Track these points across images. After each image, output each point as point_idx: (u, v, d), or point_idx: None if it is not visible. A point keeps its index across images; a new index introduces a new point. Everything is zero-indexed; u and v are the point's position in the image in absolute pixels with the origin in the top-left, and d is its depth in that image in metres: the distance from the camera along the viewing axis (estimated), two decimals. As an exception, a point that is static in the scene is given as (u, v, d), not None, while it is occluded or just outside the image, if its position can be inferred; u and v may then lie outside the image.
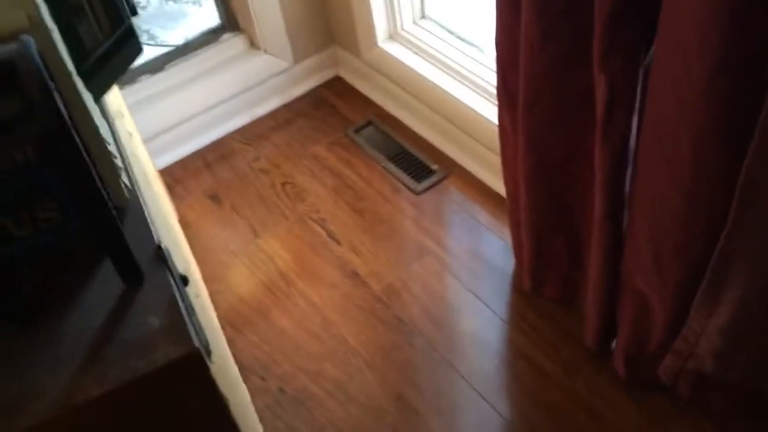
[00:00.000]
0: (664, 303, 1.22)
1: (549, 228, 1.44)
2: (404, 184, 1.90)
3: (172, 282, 0.66)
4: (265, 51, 2.13)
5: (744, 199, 0.97)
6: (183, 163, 2.07)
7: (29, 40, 0.54)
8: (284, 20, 2.08)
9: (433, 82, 1.91)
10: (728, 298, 1.10)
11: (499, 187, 1.82)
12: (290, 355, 1.59)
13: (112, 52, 0.67)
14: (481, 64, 1.87)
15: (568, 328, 1.54)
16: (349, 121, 2.11)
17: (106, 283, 0.67)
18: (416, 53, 1.99)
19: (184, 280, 0.69)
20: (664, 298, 1.21)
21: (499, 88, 1.36)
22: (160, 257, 0.67)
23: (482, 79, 1.84)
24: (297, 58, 2.17)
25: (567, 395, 1.44)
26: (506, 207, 1.75)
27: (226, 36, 2.11)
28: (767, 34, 0.83)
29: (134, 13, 0.68)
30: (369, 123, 2.08)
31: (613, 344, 1.45)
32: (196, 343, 0.60)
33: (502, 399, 1.47)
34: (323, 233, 1.83)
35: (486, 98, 1.82)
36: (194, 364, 0.62)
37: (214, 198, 1.97)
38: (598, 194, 1.21)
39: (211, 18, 2.16)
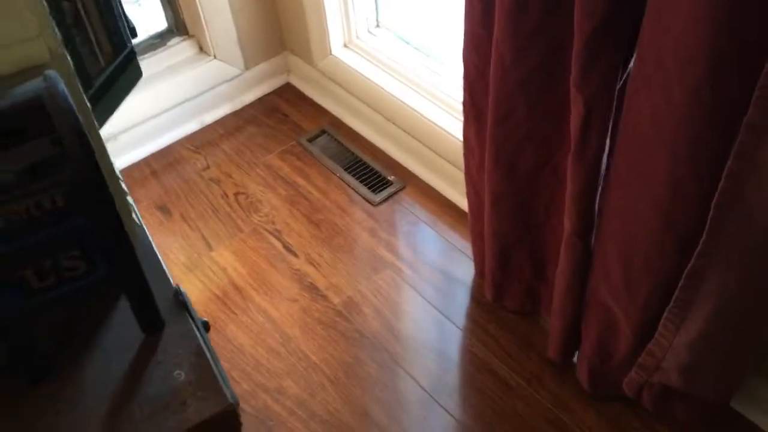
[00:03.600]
0: (630, 318, 1.24)
1: (513, 240, 1.44)
2: (361, 195, 1.87)
3: (195, 329, 0.61)
4: (215, 57, 2.07)
5: (718, 218, 0.99)
6: (129, 172, 1.99)
7: (55, 76, 0.48)
8: (235, 26, 2.02)
9: (388, 92, 1.90)
10: (697, 315, 1.12)
11: (457, 198, 1.82)
12: (249, 372, 1.54)
13: (114, 77, 0.62)
14: (437, 74, 1.86)
15: (530, 340, 1.55)
16: (302, 129, 2.07)
17: (123, 331, 0.60)
18: (371, 62, 1.97)
19: (206, 326, 0.64)
20: (630, 313, 1.23)
21: (465, 102, 1.35)
22: (180, 302, 0.62)
23: (439, 89, 1.83)
24: (248, 65, 2.12)
25: (531, 407, 1.45)
26: (465, 218, 1.75)
27: (174, 40, 2.04)
28: (750, 56, 0.84)
29: (134, 35, 0.63)
30: (323, 132, 2.05)
31: (576, 356, 1.46)
32: (230, 398, 0.55)
33: (467, 412, 1.46)
34: (279, 245, 1.79)
35: (444, 109, 1.81)
36: (228, 421, 0.57)
37: (163, 209, 1.90)
38: (568, 211, 1.21)
39: (153, 19, 2.08)
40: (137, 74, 0.65)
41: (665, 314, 1.17)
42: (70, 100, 0.48)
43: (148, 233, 0.71)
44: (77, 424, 0.56)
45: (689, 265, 1.07)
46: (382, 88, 1.91)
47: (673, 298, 1.13)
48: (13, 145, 0.50)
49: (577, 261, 1.26)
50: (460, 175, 1.74)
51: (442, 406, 1.47)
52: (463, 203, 1.79)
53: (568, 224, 1.23)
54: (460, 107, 1.74)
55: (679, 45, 0.88)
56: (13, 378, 0.58)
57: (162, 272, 0.66)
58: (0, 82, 0.52)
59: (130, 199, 0.67)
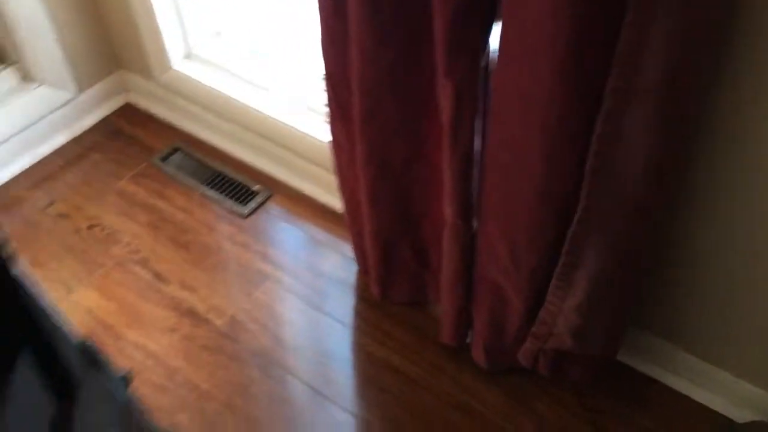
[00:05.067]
0: (519, 291, 1.27)
1: (394, 234, 1.43)
2: (228, 210, 1.80)
3: (111, 388, 0.52)
4: (42, 83, 1.90)
5: (592, 183, 1.03)
6: (-40, 221, 1.79)
7: None
8: (61, 46, 1.87)
9: (239, 100, 1.83)
10: (581, 277, 1.17)
11: (327, 199, 1.79)
12: (137, 415, 1.43)
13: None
14: (287, 77, 1.82)
15: (423, 330, 1.55)
16: (152, 149, 1.96)
17: (26, 401, 0.49)
18: (215, 71, 1.90)
19: (127, 380, 0.55)
20: (519, 287, 1.26)
21: (329, 100, 1.32)
22: (91, 358, 0.52)
23: (292, 92, 1.79)
24: (81, 87, 1.97)
25: (435, 396, 1.45)
26: (338, 219, 1.73)
27: (-8, 70, 1.86)
28: (610, 22, 0.87)
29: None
30: (176, 150, 1.95)
31: (470, 336, 1.48)
32: None
33: (373, 412, 1.44)
34: (148, 275, 1.67)
35: (299, 111, 1.77)
36: None
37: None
38: (448, 197, 1.22)
39: (-31, 50, 1.88)
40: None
41: (552, 282, 1.21)
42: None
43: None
44: None
45: (570, 232, 1.11)
46: (232, 97, 1.84)
47: (558, 265, 1.17)
48: None
49: (463, 244, 1.28)
50: (327, 176, 1.71)
51: (347, 411, 1.44)
52: (333, 204, 1.77)
53: (449, 210, 1.23)
54: (317, 108, 1.72)
55: (540, 19, 0.90)
56: None
57: (60, 322, 0.57)
58: None
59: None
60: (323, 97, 1.33)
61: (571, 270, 1.17)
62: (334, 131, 1.38)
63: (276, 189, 1.84)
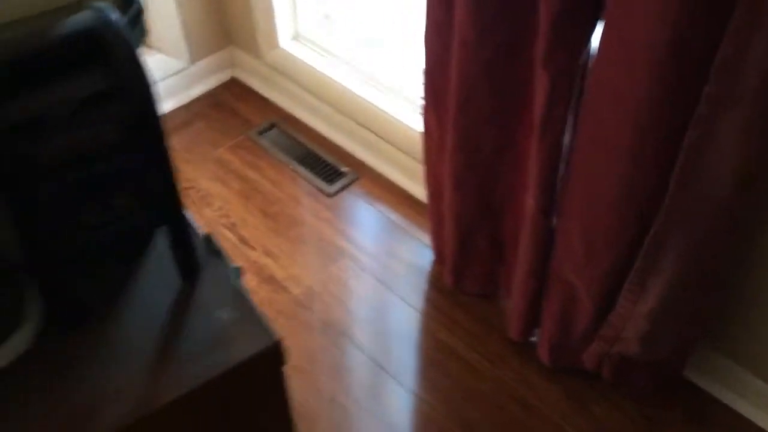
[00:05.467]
0: (591, 292, 1.29)
1: (474, 224, 1.47)
2: (316, 187, 1.88)
3: (230, 274, 0.61)
4: (160, 50, 2.03)
5: (677, 188, 1.04)
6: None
7: (107, 7, 0.47)
8: (181, 21, 1.99)
9: (339, 83, 1.91)
10: (656, 283, 1.18)
11: (411, 187, 1.84)
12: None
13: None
14: (387, 64, 1.88)
15: (490, 322, 1.58)
16: (251, 123, 2.06)
17: (160, 279, 0.60)
18: (320, 54, 1.98)
19: (239, 272, 0.63)
20: (592, 287, 1.28)
21: (426, 88, 1.37)
22: (213, 249, 0.61)
23: (391, 79, 1.85)
24: (193, 59, 2.09)
25: (496, 387, 1.48)
26: (420, 207, 1.78)
27: (116, 34, 1.99)
28: (711, 33, 0.89)
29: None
30: (272, 125, 2.04)
31: (536, 334, 1.50)
32: (274, 336, 0.56)
33: (434, 395, 1.48)
34: (234, 238, 1.77)
35: (396, 100, 1.83)
36: (274, 357, 0.57)
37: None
38: (532, 189, 1.25)
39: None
40: (144, 33, 0.64)
41: (625, 285, 1.22)
42: (125, 28, 0.47)
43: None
44: (127, 364, 0.55)
45: (649, 235, 1.12)
46: (333, 80, 1.92)
47: (633, 269, 1.19)
48: (66, 77, 0.48)
49: (541, 238, 1.30)
50: (414, 165, 1.77)
51: (408, 390, 1.48)
52: (417, 192, 1.82)
53: (531, 202, 1.26)
54: (412, 96, 1.78)
55: (642, 21, 0.93)
56: (51, 325, 0.57)
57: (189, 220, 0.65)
58: (41, 18, 0.51)
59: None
60: (420, 88, 1.39)
61: (646, 275, 1.18)
62: (427, 118, 1.43)
63: (363, 173, 1.91)
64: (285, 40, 2.00)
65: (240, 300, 0.59)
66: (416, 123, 1.73)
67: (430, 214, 1.60)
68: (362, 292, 1.67)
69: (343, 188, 1.87)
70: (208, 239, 0.62)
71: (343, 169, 1.91)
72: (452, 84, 1.27)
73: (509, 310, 1.51)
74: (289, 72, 2.02)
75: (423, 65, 1.35)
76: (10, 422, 0.51)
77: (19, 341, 0.56)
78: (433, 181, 1.54)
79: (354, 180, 1.90)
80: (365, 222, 1.82)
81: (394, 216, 1.82)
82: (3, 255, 0.54)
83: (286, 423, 0.65)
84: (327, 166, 1.92)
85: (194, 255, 0.60)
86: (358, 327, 1.59)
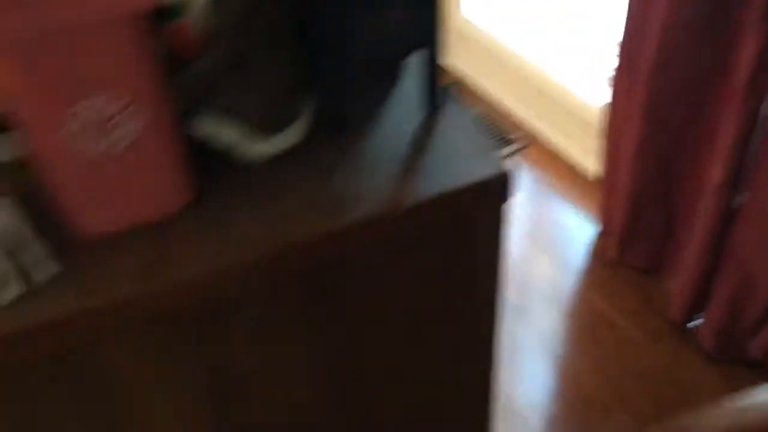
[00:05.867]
0: (771, 275, 1.24)
1: (648, 197, 1.45)
2: (485, 149, 1.91)
3: (467, 113, 0.70)
4: None
5: None
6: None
7: None
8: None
9: (520, 54, 1.92)
10: None
11: (579, 161, 1.83)
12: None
13: None
14: (576, 38, 1.88)
15: (650, 299, 1.56)
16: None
17: (405, 109, 0.71)
18: (502, 21, 2.00)
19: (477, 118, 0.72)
20: (772, 270, 1.23)
21: (622, 50, 1.36)
22: (450, 96, 0.71)
23: (577, 54, 1.84)
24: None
25: (651, 363, 1.46)
26: (586, 180, 1.77)
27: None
28: None
29: None
30: (448, 87, 2.09)
31: (697, 317, 1.46)
32: (504, 168, 0.62)
33: (585, 363, 1.48)
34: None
35: (579, 73, 1.82)
36: (500, 188, 0.64)
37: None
38: (720, 161, 1.22)
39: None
40: None
41: (813, 271, 1.16)
42: None
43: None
44: (372, 171, 0.65)
45: None
46: (514, 50, 1.94)
47: (825, 253, 1.13)
48: None
49: (721, 212, 1.27)
50: (586, 140, 1.76)
51: (560, 356, 1.49)
52: (585, 165, 1.81)
53: (717, 172, 1.23)
54: (599, 73, 1.76)
55: None
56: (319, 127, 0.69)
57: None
58: None
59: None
60: (611, 58, 1.38)
61: (839, 260, 1.12)
62: (617, 83, 1.42)
63: (533, 142, 1.92)
64: (469, 8, 2.04)
65: (474, 133, 0.67)
66: (597, 98, 1.72)
67: (604, 181, 1.59)
68: (524, 253, 1.69)
69: (511, 154, 1.90)
70: (446, 89, 0.72)
71: (514, 135, 1.93)
72: (650, 46, 1.26)
73: (674, 289, 1.48)
74: (470, 38, 2.06)
75: (622, 27, 1.34)
76: (269, 209, 0.62)
77: (293, 132, 0.67)
78: (612, 150, 1.52)
79: (523, 147, 1.91)
80: (531, 189, 1.83)
81: (560, 187, 1.82)
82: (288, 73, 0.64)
83: (494, 272, 0.70)
84: (497, 131, 1.95)
85: (439, 88, 0.70)
86: (517, 291, 1.61)
